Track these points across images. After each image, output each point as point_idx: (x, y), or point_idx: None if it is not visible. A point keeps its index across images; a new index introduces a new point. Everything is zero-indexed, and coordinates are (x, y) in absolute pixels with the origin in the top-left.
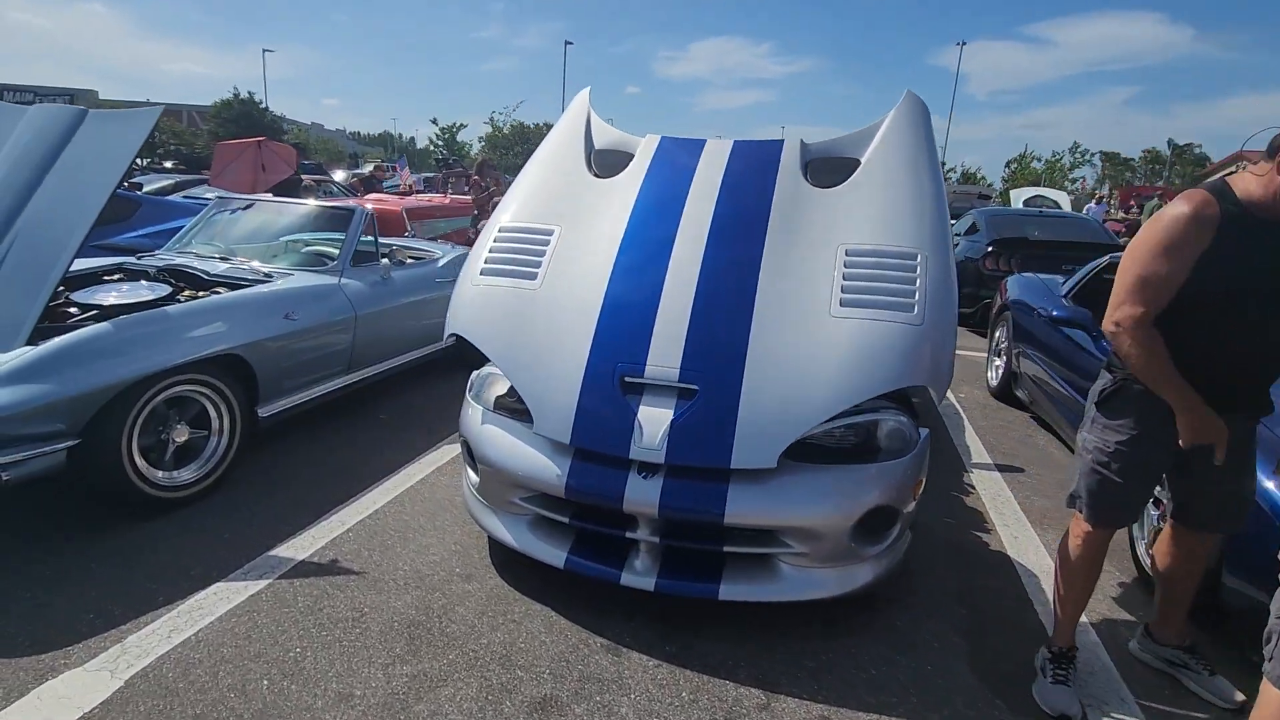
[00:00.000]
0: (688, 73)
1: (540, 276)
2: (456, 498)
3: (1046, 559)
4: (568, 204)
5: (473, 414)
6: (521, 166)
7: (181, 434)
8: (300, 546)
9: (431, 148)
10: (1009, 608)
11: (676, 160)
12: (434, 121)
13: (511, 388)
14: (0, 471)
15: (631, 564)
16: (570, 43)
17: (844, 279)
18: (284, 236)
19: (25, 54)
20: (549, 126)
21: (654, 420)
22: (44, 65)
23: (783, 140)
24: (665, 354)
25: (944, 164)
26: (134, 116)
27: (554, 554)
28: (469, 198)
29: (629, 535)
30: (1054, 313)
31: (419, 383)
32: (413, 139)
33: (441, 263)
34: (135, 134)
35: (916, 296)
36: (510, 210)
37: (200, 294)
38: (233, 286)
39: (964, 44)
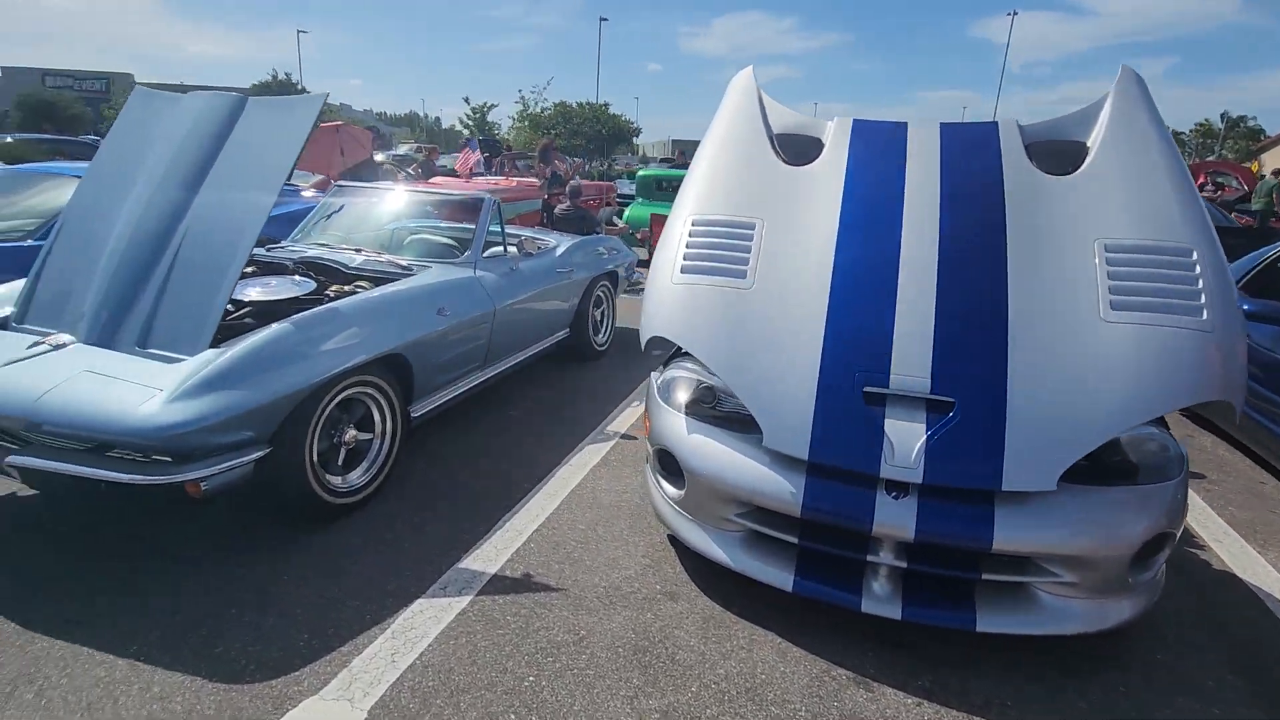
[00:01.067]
0: (709, 49)
1: (750, 275)
2: (623, 503)
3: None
4: (763, 195)
5: (674, 421)
6: (568, 146)
7: (351, 438)
8: (486, 559)
9: (460, 127)
10: (1271, 639)
11: (879, 145)
12: (466, 100)
13: (703, 391)
14: (200, 483)
15: (870, 589)
16: (605, 19)
17: (1110, 278)
18: (411, 226)
19: (60, 38)
20: (591, 105)
21: (905, 435)
22: (80, 49)
23: (995, 122)
24: (911, 363)
25: None
26: (296, 104)
27: (779, 576)
28: (533, 179)
29: (870, 559)
30: (1245, 307)
31: (534, 376)
32: (438, 119)
33: (559, 251)
34: (301, 121)
35: (1202, 299)
36: (698, 201)
37: (345, 289)
38: (374, 280)
39: (1015, 14)
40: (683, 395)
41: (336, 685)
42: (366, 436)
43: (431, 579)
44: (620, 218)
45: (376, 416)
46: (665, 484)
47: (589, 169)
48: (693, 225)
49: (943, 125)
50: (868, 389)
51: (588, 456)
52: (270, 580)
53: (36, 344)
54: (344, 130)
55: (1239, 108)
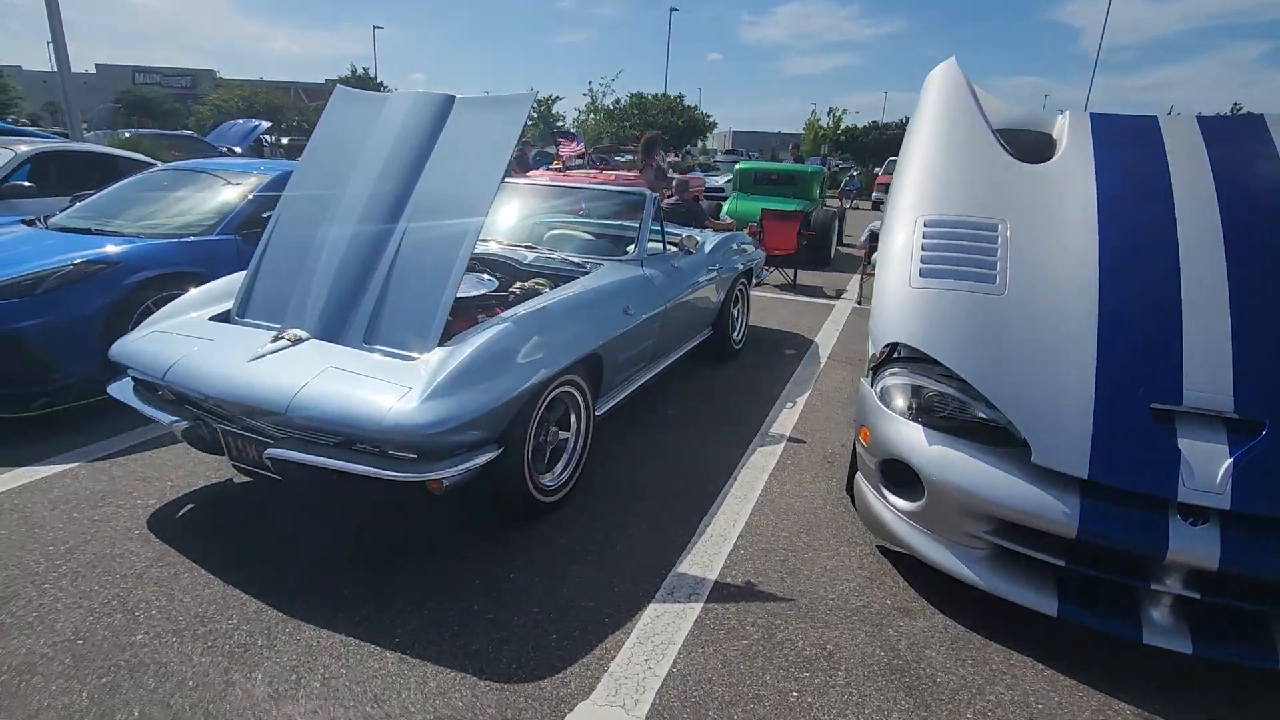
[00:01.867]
0: (770, 37)
1: (1000, 280)
2: (819, 510)
3: None
4: (999, 194)
5: (906, 431)
6: (641, 138)
7: (555, 436)
8: (702, 564)
9: (529, 121)
10: None
11: (1127, 141)
12: (535, 91)
13: (933, 399)
14: (444, 481)
15: (1149, 619)
16: (675, 9)
17: None
18: (565, 221)
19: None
20: (667, 97)
21: (1205, 457)
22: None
23: (1261, 115)
24: (1207, 378)
25: None
26: (504, 101)
27: (1040, 600)
28: (633, 174)
29: (1154, 587)
30: None
31: (678, 374)
32: None
33: (707, 248)
34: (512, 118)
35: None
36: (925, 201)
37: (525, 286)
38: (551, 278)
39: None
40: (910, 403)
41: (604, 691)
42: (565, 435)
43: (654, 583)
44: (721, 213)
45: (572, 415)
46: (892, 496)
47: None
48: (925, 226)
49: (1199, 119)
50: (1155, 405)
51: (761, 459)
52: (499, 579)
53: (277, 339)
54: None
55: None
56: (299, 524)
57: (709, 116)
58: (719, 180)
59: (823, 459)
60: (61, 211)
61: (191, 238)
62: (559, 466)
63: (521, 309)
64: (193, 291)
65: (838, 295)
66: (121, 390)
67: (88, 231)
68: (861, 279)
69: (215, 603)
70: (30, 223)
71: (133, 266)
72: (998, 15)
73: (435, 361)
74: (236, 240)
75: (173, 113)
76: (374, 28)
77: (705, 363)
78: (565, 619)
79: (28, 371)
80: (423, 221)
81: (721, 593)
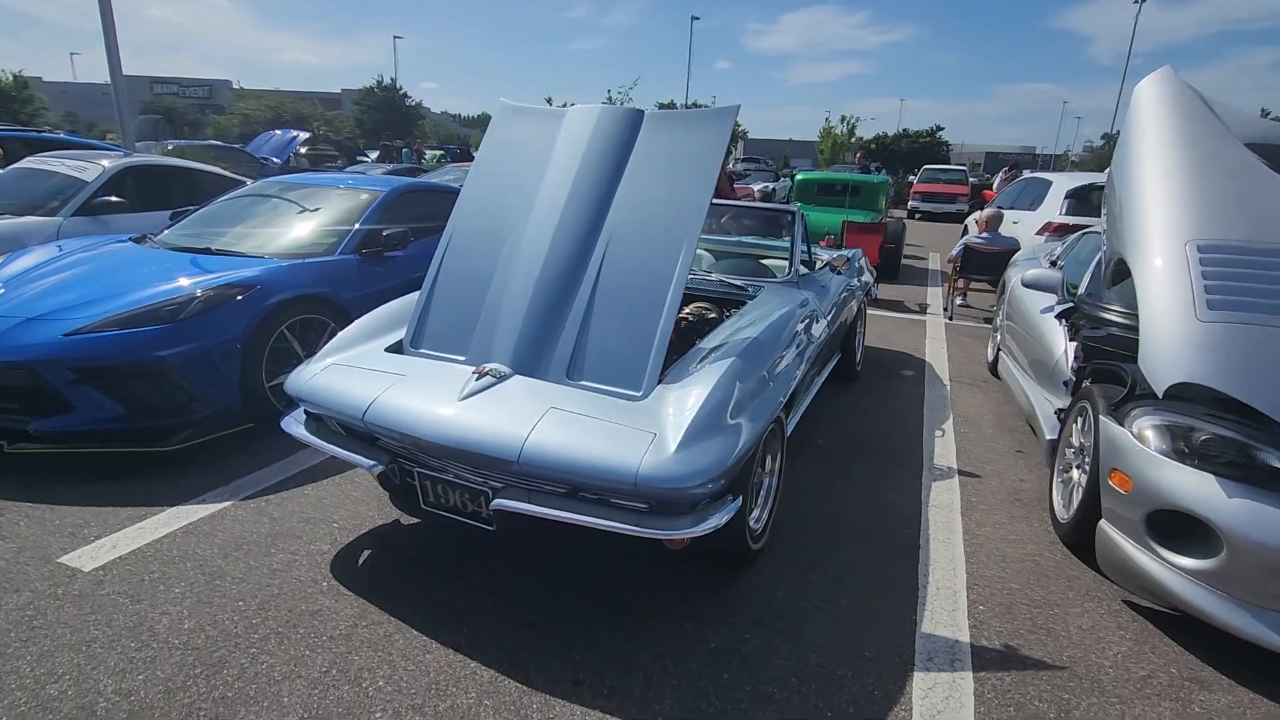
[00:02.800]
0: (778, 45)
1: None
2: (1039, 559)
3: None
4: (1275, 215)
5: (1191, 480)
6: None
7: (759, 477)
8: (945, 624)
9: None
10: None
11: None
12: (549, 101)
13: (1222, 444)
14: (688, 537)
15: None
16: (697, 18)
17: None
18: (720, 240)
19: (162, 47)
20: (700, 105)
21: None
22: (182, 58)
23: None
24: None
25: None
26: (702, 116)
27: None
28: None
29: None
30: None
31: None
32: None
33: (844, 267)
34: (715, 135)
35: None
36: (1190, 224)
37: (690, 310)
38: (715, 301)
39: (1141, 1)
40: (1180, 446)
41: None
42: (764, 473)
43: (905, 647)
44: None
45: (767, 453)
46: (1168, 552)
47: None
48: (1200, 253)
49: None
50: None
51: (942, 496)
52: (734, 641)
53: (480, 375)
54: None
55: None
56: (489, 573)
57: (739, 125)
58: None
59: (1008, 496)
60: (166, 229)
61: (314, 258)
62: (758, 508)
63: (730, 342)
64: (359, 321)
65: (922, 310)
66: (297, 427)
67: (206, 251)
68: (951, 293)
69: (443, 671)
70: (139, 240)
71: (270, 289)
72: (1005, 23)
73: (672, 405)
74: (356, 261)
75: (196, 123)
76: (394, 38)
77: (830, 387)
78: (832, 693)
79: (170, 403)
80: (623, 247)
81: (985, 659)
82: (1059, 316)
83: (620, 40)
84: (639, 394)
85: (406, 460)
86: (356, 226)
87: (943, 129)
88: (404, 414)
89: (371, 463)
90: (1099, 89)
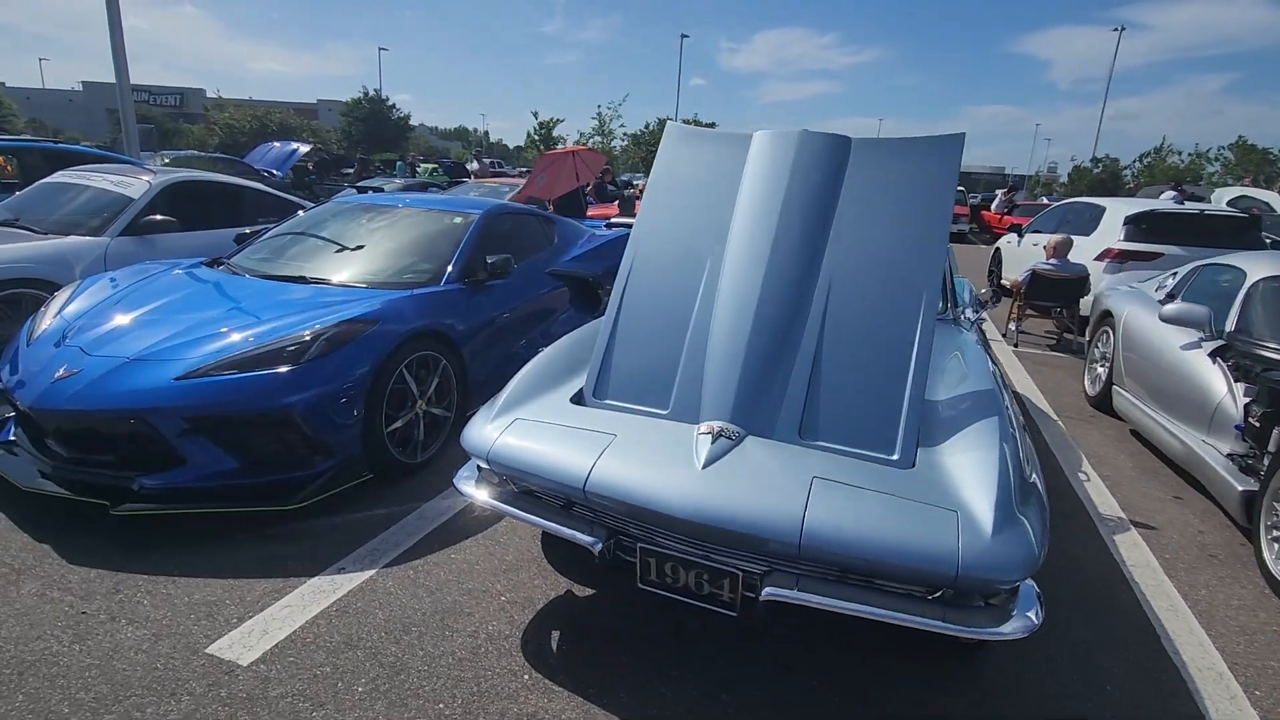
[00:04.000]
0: (750, 64)
1: None
2: (1263, 628)
3: None
4: None
5: None
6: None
7: None
8: (1233, 716)
9: (529, 142)
10: None
11: None
12: (535, 115)
13: None
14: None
15: None
16: (687, 36)
17: None
18: None
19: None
20: (699, 123)
21: None
22: (149, 66)
23: None
24: None
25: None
26: (927, 145)
27: None
28: None
29: None
30: None
31: None
32: (486, 133)
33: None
34: (944, 165)
35: None
36: None
37: None
38: None
39: (1121, 29)
40: None
41: None
42: None
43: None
44: None
45: None
46: None
47: None
48: None
49: None
50: None
51: (1134, 553)
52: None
53: (713, 436)
54: (579, 155)
55: None
56: (708, 662)
57: None
58: None
59: (1199, 553)
60: (237, 253)
61: (422, 288)
62: None
63: (974, 391)
64: (530, 365)
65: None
66: (481, 493)
67: (300, 279)
68: (1019, 319)
69: None
70: (212, 265)
71: (391, 325)
72: (967, 47)
73: (953, 474)
74: (460, 290)
75: (175, 132)
76: (379, 50)
77: None
78: None
79: (290, 454)
80: (850, 293)
81: None
82: (1213, 355)
83: (594, 55)
84: (895, 458)
85: (624, 534)
86: (458, 253)
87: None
88: (641, 486)
89: (592, 539)
90: (1060, 112)
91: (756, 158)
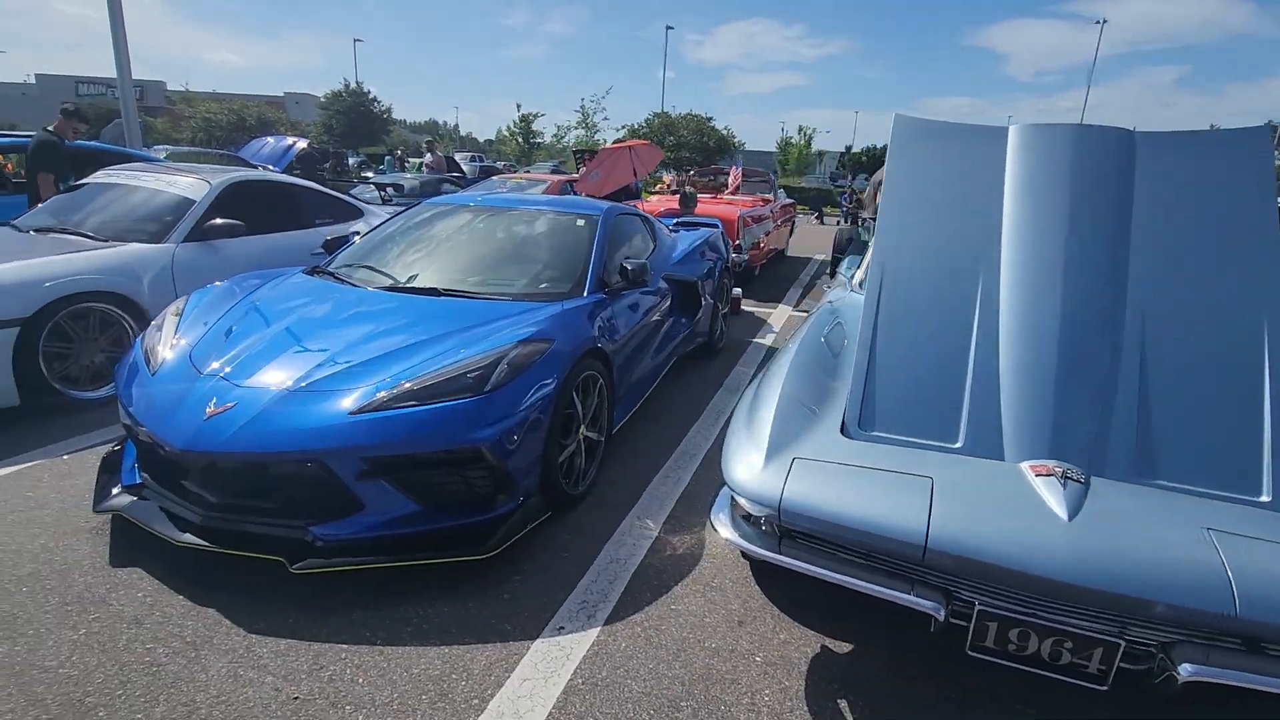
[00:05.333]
0: (716, 56)
1: None
2: None
3: None
4: None
5: None
6: (674, 159)
7: None
8: None
9: (507, 134)
10: None
11: None
12: (518, 107)
13: None
14: None
15: None
16: (671, 27)
17: None
18: None
19: (69, 43)
20: (695, 117)
21: None
22: (97, 55)
23: None
24: None
25: None
26: (1225, 138)
27: None
28: (772, 201)
29: None
30: None
31: None
32: (456, 126)
33: None
34: (1254, 162)
35: None
36: None
37: None
38: None
39: (1104, 22)
40: None
41: None
42: None
43: None
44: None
45: None
46: None
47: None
48: None
49: None
50: None
51: None
52: None
53: (1063, 479)
54: (635, 150)
55: (1246, 115)
56: None
57: (735, 136)
58: None
59: None
60: (339, 260)
61: (570, 300)
62: None
63: None
64: (775, 393)
65: None
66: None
67: (432, 292)
68: None
69: None
70: (312, 273)
71: (563, 345)
72: (928, 40)
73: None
74: (603, 301)
75: (148, 127)
76: (355, 40)
77: None
78: None
79: (477, 495)
80: (1167, 308)
81: None
82: None
83: (559, 48)
84: (1267, 499)
85: (957, 594)
86: (592, 260)
87: None
88: (1000, 544)
89: (933, 604)
90: (1019, 103)
91: (1023, 155)
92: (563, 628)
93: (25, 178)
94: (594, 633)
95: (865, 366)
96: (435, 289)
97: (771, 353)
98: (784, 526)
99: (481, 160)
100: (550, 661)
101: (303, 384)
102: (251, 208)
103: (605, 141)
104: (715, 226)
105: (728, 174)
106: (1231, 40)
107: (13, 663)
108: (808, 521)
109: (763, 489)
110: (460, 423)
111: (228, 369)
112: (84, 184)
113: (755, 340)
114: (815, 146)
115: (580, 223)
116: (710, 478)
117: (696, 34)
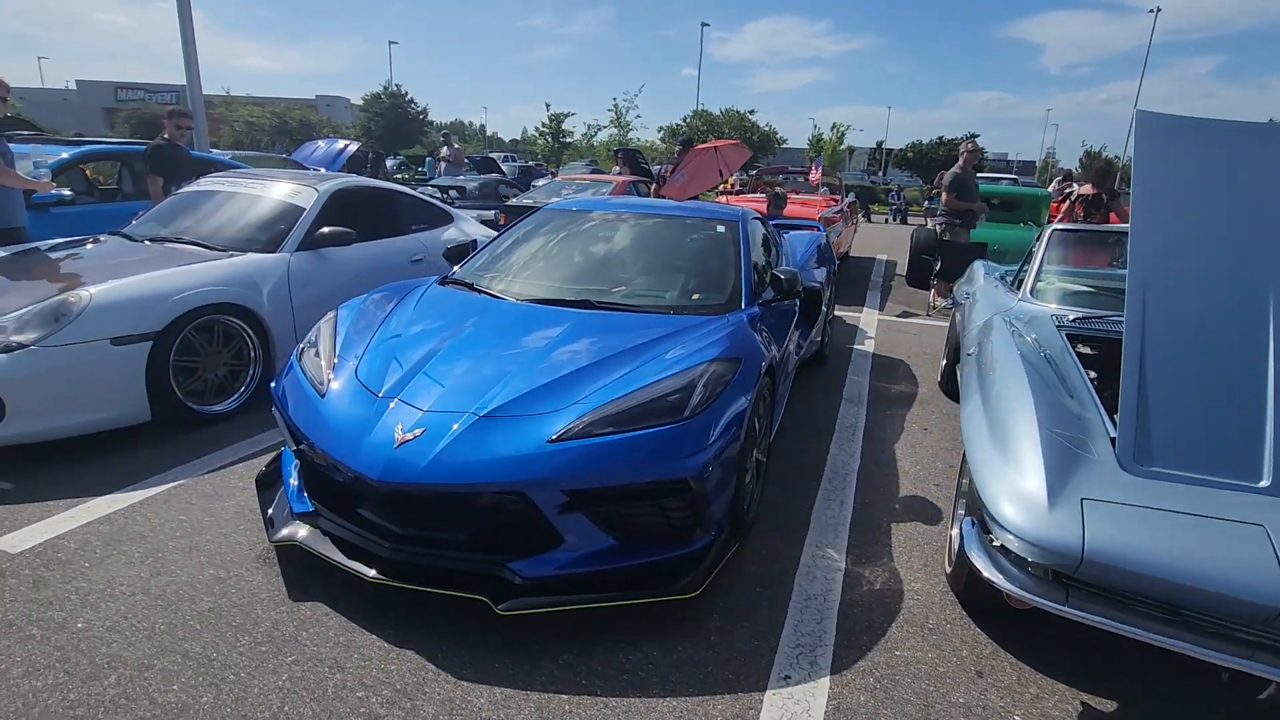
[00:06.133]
0: (741, 54)
1: None
2: None
3: None
4: None
5: None
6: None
7: None
8: None
9: (537, 134)
10: None
11: None
12: (548, 107)
13: None
14: None
15: None
16: (707, 24)
17: None
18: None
19: (109, 53)
20: (737, 113)
21: None
22: (128, 62)
23: None
24: None
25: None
26: None
27: None
28: (840, 200)
29: None
30: None
31: None
32: (483, 126)
33: None
34: None
35: None
36: None
37: None
38: None
39: (1158, 11)
40: None
41: None
42: None
43: None
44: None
45: None
46: None
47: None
48: None
49: None
50: None
51: None
52: None
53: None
54: (720, 150)
55: None
56: None
57: (778, 134)
58: None
59: None
60: (468, 270)
61: (734, 313)
62: None
63: None
64: (1030, 423)
65: None
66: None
67: (584, 304)
68: None
69: None
70: (450, 284)
71: (750, 363)
72: (958, 33)
73: None
74: (762, 314)
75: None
76: (390, 43)
77: None
78: None
79: (675, 529)
80: None
81: None
82: None
83: (582, 49)
84: None
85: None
86: (742, 269)
87: (977, 135)
88: None
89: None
90: (1051, 97)
91: (1232, 155)
92: (788, 677)
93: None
94: (824, 683)
95: (1135, 392)
96: (587, 301)
97: (878, 359)
98: (1077, 577)
99: (514, 159)
100: (792, 718)
101: (491, 408)
102: (354, 214)
103: (638, 140)
104: (818, 229)
105: (800, 173)
106: (1271, 29)
107: (222, 714)
108: (1120, 575)
109: (1055, 535)
110: (667, 451)
111: (405, 391)
112: (188, 191)
113: (856, 347)
114: (846, 143)
115: (720, 229)
116: (873, 501)
117: (722, 31)
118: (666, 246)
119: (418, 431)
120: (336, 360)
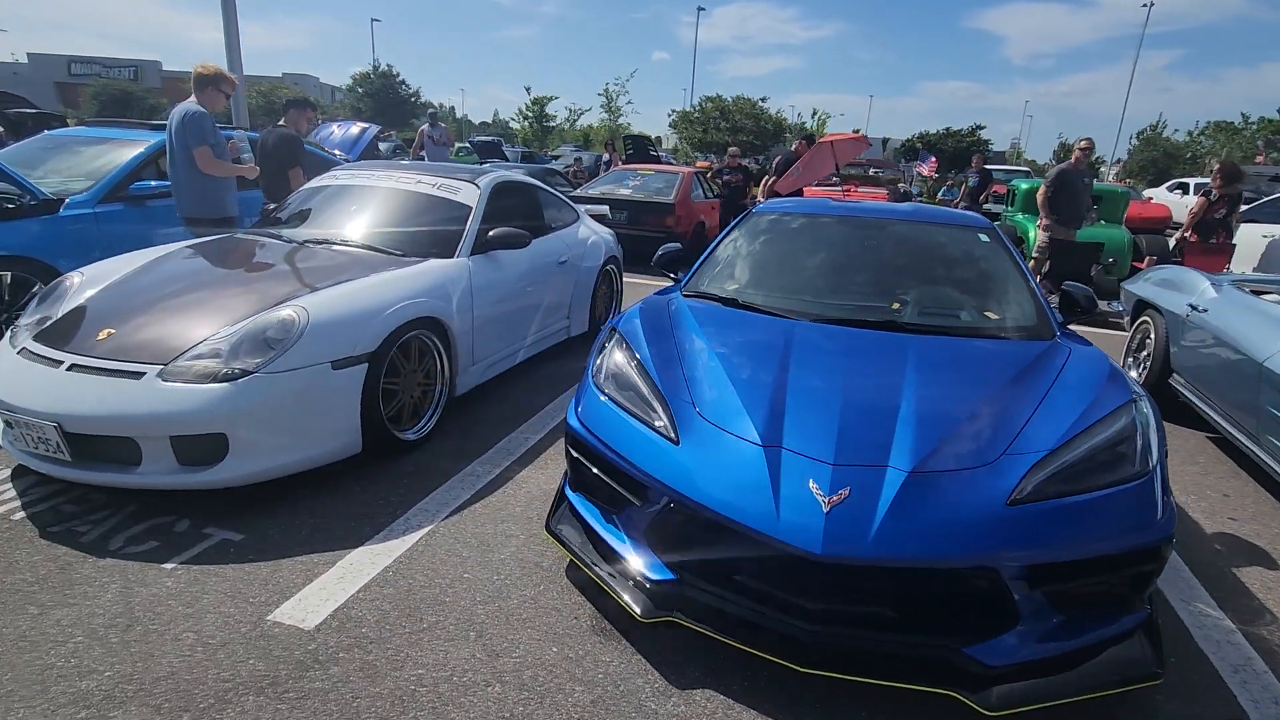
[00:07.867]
0: (711, 38)
1: None
2: None
3: None
4: None
5: None
6: (744, 143)
7: None
8: None
9: (520, 118)
10: None
11: None
12: (528, 90)
13: None
14: None
15: None
16: (702, 8)
17: None
18: None
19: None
20: (749, 101)
21: None
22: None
23: None
24: None
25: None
26: None
27: None
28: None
29: None
30: None
31: None
32: (453, 108)
33: None
34: None
35: None
36: None
37: None
38: None
39: (1151, 4)
40: None
41: None
42: None
43: None
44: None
45: None
46: None
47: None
48: None
49: None
50: None
51: None
52: None
53: None
54: (835, 144)
55: (1249, 104)
56: None
57: (787, 120)
58: None
59: None
60: (708, 278)
61: (1060, 340)
62: None
63: None
64: None
65: None
66: None
67: (889, 325)
68: None
69: None
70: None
71: (1146, 399)
72: (924, 22)
73: None
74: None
75: (157, 108)
76: (372, 20)
77: None
78: None
79: (1118, 600)
80: None
81: None
82: None
83: (552, 29)
84: None
85: None
86: (1033, 285)
87: (984, 127)
88: None
89: None
90: (1015, 88)
91: None
92: None
93: (262, 176)
94: None
95: None
96: (893, 322)
97: None
98: None
99: (507, 145)
100: None
101: (917, 461)
102: (509, 212)
103: (629, 126)
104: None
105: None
106: (1228, 24)
107: None
108: None
109: None
110: (1137, 516)
111: (786, 438)
112: (322, 186)
113: None
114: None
115: (984, 237)
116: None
117: (690, 16)
118: (934, 257)
119: (843, 493)
120: (661, 394)
